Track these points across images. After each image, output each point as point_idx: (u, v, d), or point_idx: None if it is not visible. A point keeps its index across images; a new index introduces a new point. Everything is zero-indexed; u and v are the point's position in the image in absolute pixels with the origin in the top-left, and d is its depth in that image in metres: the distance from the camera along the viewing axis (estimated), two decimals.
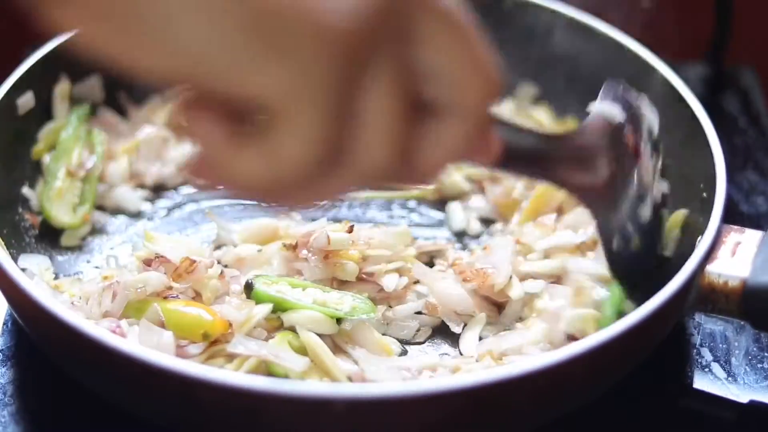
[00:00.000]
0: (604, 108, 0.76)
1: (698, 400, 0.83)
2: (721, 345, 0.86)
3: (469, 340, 0.83)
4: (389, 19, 0.53)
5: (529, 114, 1.05)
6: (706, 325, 0.88)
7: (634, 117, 0.77)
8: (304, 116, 0.53)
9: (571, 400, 0.75)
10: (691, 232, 0.87)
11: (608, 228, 0.78)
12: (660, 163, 0.81)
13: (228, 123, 0.56)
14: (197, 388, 0.66)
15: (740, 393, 0.82)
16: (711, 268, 0.78)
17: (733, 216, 0.96)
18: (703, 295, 0.78)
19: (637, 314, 0.71)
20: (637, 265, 0.80)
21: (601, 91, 0.76)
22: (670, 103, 0.92)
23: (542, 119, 1.04)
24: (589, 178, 0.74)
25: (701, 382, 0.83)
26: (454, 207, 0.97)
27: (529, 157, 0.69)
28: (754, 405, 0.81)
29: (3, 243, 0.82)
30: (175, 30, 0.51)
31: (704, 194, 0.84)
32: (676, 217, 0.90)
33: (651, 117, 0.79)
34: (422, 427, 0.69)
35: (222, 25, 0.51)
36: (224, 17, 0.51)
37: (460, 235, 0.95)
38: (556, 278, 0.86)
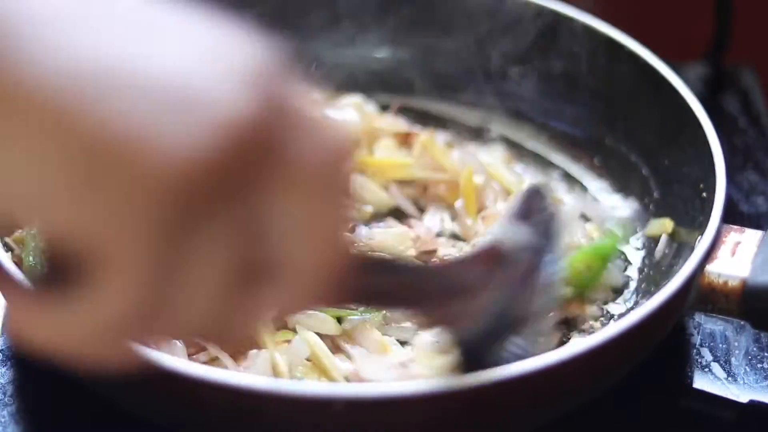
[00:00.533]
0: (508, 234, 0.72)
1: (698, 400, 0.82)
2: (721, 345, 0.86)
3: None
4: (238, 171, 0.45)
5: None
6: (706, 325, 0.87)
7: (538, 243, 0.73)
8: (126, 267, 0.46)
9: (571, 400, 0.75)
10: (682, 238, 0.88)
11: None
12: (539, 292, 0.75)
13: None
14: (197, 388, 0.66)
15: (740, 393, 0.82)
16: (711, 267, 0.78)
17: (733, 216, 0.96)
18: (702, 295, 0.78)
19: (637, 314, 0.71)
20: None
21: (515, 202, 0.72)
22: (670, 103, 0.92)
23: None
24: (458, 308, 0.68)
25: (701, 382, 0.83)
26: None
27: (388, 293, 0.64)
28: (754, 405, 0.81)
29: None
30: None
31: (704, 194, 0.84)
32: (663, 225, 0.90)
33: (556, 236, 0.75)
34: (422, 427, 0.69)
35: (42, 157, 0.44)
36: (46, 149, 0.44)
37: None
38: None
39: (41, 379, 0.80)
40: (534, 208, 0.76)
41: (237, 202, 0.46)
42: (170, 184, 0.44)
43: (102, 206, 0.45)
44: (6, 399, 0.79)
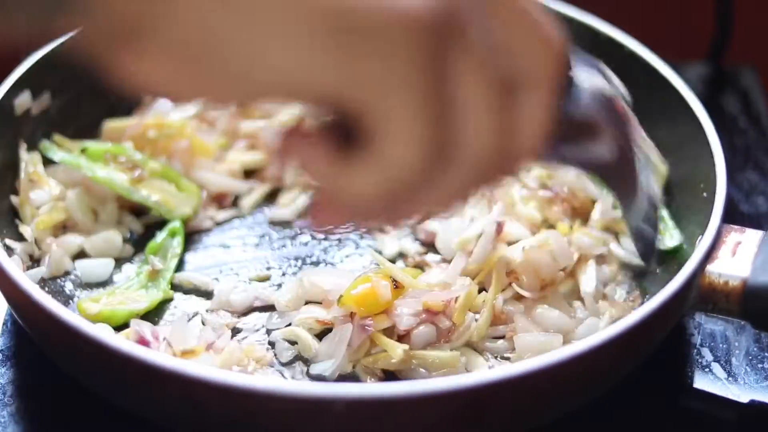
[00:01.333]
0: (595, 81, 0.74)
1: (698, 400, 0.82)
2: (721, 345, 0.86)
3: None
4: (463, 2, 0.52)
5: None
6: (707, 325, 0.87)
7: (614, 87, 0.75)
8: (404, 114, 0.52)
9: (571, 400, 0.75)
10: (682, 238, 0.88)
11: (636, 208, 0.77)
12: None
13: (328, 148, 0.55)
14: (197, 388, 0.66)
15: (740, 393, 0.82)
16: (711, 267, 0.78)
17: (733, 216, 0.96)
18: (703, 295, 0.78)
19: (637, 314, 0.71)
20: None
21: (577, 67, 0.74)
22: (670, 103, 0.92)
23: None
24: (600, 152, 0.72)
25: (701, 382, 0.83)
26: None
27: None
28: (754, 405, 0.81)
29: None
30: (260, 60, 0.51)
31: (704, 194, 0.84)
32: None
33: (621, 85, 0.78)
34: (422, 427, 0.69)
35: (305, 38, 0.50)
36: (305, 31, 0.50)
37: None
38: None
39: (41, 380, 0.81)
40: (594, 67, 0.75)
41: (473, 26, 0.53)
42: (415, 29, 0.51)
43: (365, 65, 0.51)
44: (6, 399, 0.79)
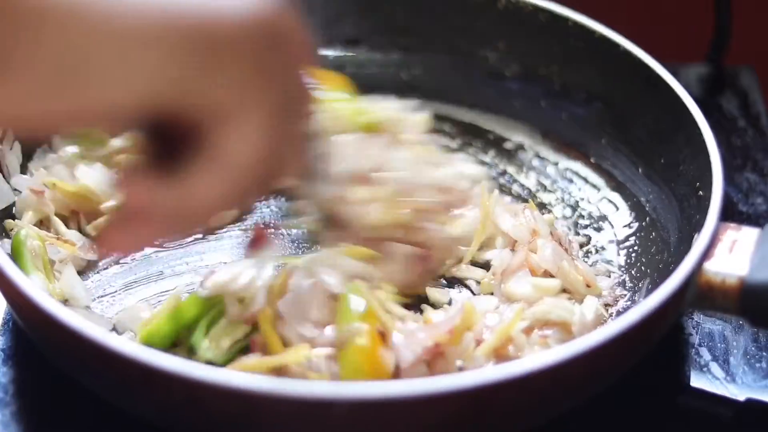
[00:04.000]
0: None
1: (696, 400, 0.83)
2: (719, 344, 0.86)
3: None
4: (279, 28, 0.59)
5: None
6: (705, 324, 0.88)
7: None
8: (253, 118, 0.57)
9: (570, 399, 0.75)
10: (680, 236, 0.88)
11: None
12: None
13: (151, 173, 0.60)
14: (197, 389, 0.66)
15: (738, 392, 0.82)
16: (708, 266, 0.78)
17: (732, 216, 0.97)
18: (700, 294, 0.78)
19: (634, 313, 0.71)
20: None
21: None
22: (666, 101, 0.92)
23: None
24: None
25: (699, 382, 0.83)
26: None
27: None
28: (751, 404, 0.82)
29: None
30: (122, 78, 0.54)
31: (701, 192, 0.84)
32: None
33: None
34: (422, 427, 0.69)
35: (159, 52, 0.54)
36: (161, 45, 0.54)
37: None
38: None
39: (42, 379, 0.81)
40: None
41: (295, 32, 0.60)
42: (255, 36, 0.57)
43: (216, 74, 0.55)
44: (7, 398, 0.79)
